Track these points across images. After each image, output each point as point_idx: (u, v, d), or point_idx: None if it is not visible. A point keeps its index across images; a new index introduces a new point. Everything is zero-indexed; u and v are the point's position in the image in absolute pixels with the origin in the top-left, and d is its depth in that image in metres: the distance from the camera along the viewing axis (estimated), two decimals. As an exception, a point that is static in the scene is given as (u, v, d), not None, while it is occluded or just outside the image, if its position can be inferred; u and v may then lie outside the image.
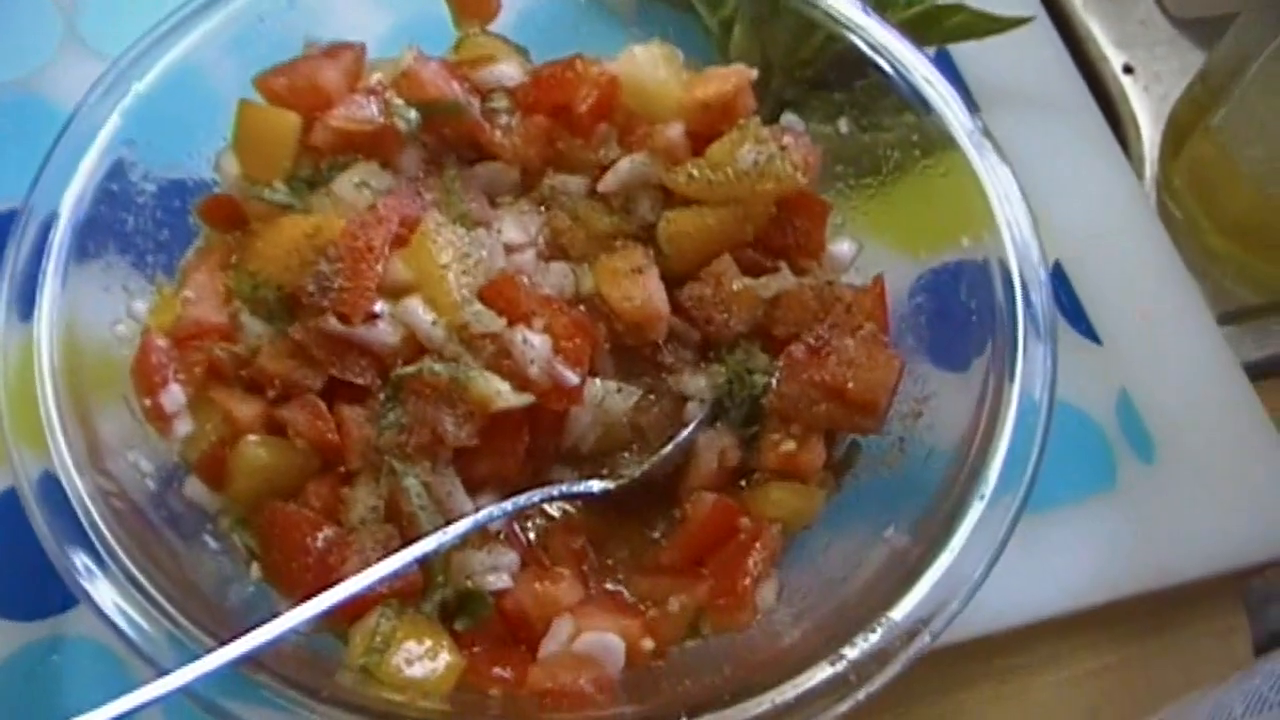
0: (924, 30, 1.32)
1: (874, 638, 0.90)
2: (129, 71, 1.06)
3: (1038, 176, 1.31)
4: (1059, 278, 1.31)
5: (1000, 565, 0.93)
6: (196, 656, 0.86)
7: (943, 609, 0.90)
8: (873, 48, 1.13)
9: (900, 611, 0.91)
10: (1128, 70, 1.52)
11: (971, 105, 1.27)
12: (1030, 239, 1.05)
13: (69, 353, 0.98)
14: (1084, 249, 1.33)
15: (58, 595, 1.09)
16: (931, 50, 1.38)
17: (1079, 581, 1.17)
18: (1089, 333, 1.29)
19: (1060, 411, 1.17)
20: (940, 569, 0.92)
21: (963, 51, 1.41)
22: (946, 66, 1.41)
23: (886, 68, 1.12)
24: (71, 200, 1.02)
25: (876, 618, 0.90)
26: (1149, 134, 1.48)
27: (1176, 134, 1.42)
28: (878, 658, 0.89)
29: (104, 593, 0.90)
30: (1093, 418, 1.25)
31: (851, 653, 0.89)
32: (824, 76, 1.20)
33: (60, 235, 1.00)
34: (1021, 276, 1.04)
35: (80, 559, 0.90)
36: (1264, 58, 1.24)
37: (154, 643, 0.88)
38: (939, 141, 1.10)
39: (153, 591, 0.90)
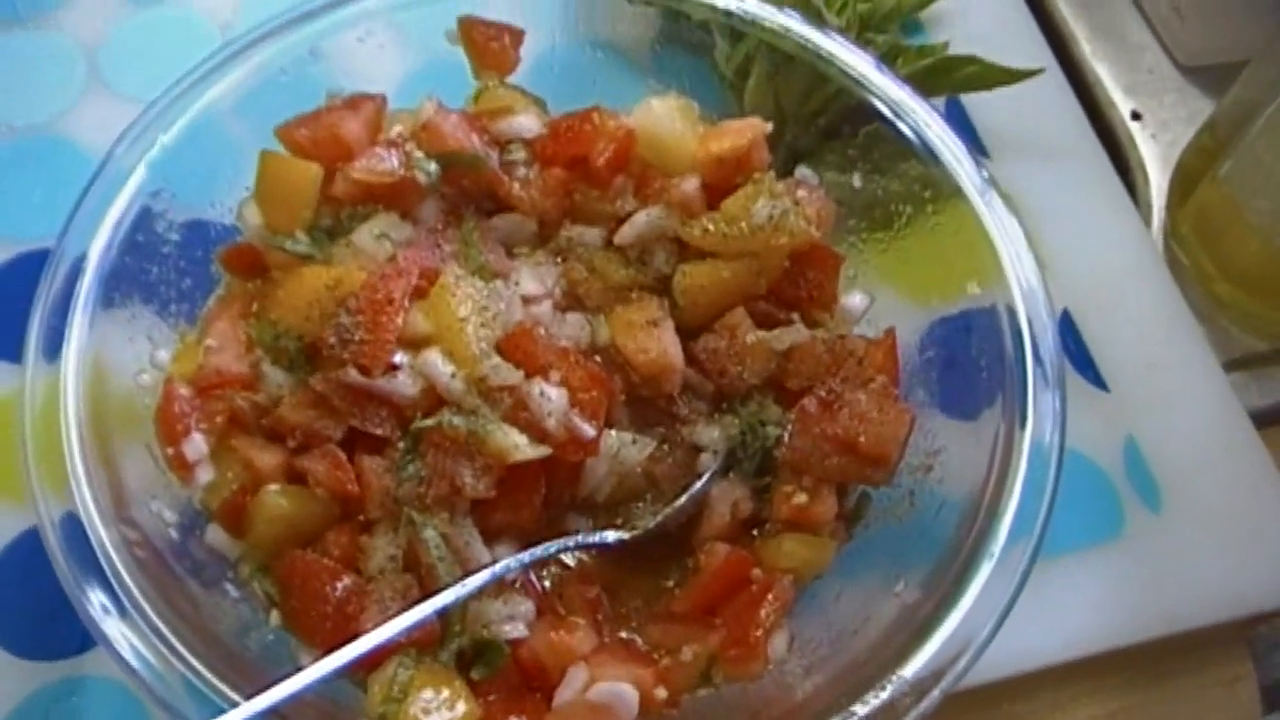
0: (936, 80, 1.34)
1: (884, 695, 0.91)
2: (155, 123, 1.08)
3: (1046, 223, 1.34)
4: (1066, 324, 1.32)
5: (1008, 611, 0.95)
6: (212, 702, 0.88)
7: (951, 667, 0.92)
8: (884, 102, 1.14)
9: (910, 669, 0.92)
10: (1136, 117, 1.53)
11: (981, 152, 1.30)
12: (1038, 290, 1.07)
13: (94, 400, 1.00)
14: (1092, 295, 1.34)
15: (77, 637, 1.11)
16: (942, 98, 1.40)
17: (1085, 628, 1.18)
18: (1096, 380, 1.30)
19: (1067, 459, 1.19)
20: (950, 626, 0.93)
21: (973, 99, 1.43)
22: (957, 114, 1.42)
23: (898, 122, 1.13)
24: (99, 250, 1.04)
25: (887, 675, 0.92)
26: (1157, 181, 1.49)
27: (1184, 182, 1.43)
28: (886, 714, 0.91)
29: (122, 636, 0.91)
30: (1100, 464, 1.26)
31: (862, 709, 0.90)
32: (837, 127, 1.22)
33: (87, 285, 1.02)
34: (1030, 327, 1.05)
35: (100, 600, 0.92)
36: (1271, 109, 1.25)
37: (171, 689, 0.90)
38: (948, 195, 1.11)
39: (171, 637, 0.92)
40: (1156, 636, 1.19)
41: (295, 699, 0.88)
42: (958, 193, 1.11)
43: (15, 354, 1.18)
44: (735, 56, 1.27)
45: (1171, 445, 1.28)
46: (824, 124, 1.24)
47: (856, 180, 1.18)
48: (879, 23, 1.42)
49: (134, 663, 0.90)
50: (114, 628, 0.91)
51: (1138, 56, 1.57)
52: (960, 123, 1.41)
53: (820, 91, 1.22)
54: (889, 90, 1.14)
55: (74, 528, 0.94)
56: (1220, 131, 1.35)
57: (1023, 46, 1.49)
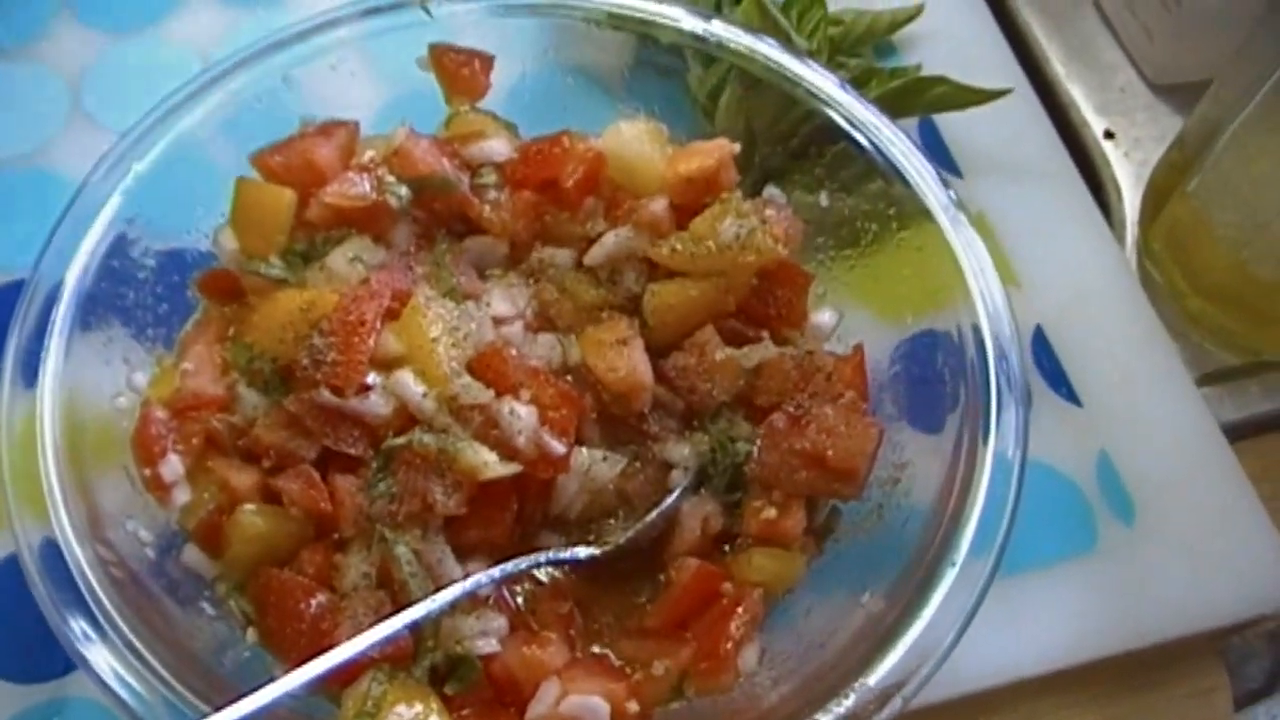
0: (908, 101, 1.36)
1: (848, 703, 0.92)
2: (131, 151, 1.11)
3: (1020, 241, 1.36)
4: (1040, 341, 1.33)
5: (981, 624, 0.96)
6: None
7: (915, 674, 0.93)
8: (851, 123, 1.16)
9: (874, 676, 0.93)
10: (1109, 136, 1.55)
11: (955, 173, 1.32)
12: (1002, 307, 1.08)
13: (71, 424, 1.02)
14: (1065, 312, 1.36)
15: (59, 659, 1.11)
16: (915, 119, 1.42)
17: (1060, 641, 1.19)
18: (1070, 395, 1.31)
19: (1041, 473, 1.20)
20: (913, 635, 0.94)
21: (946, 119, 1.44)
22: (930, 134, 1.44)
23: (864, 142, 1.15)
24: (75, 275, 1.06)
25: (851, 683, 0.93)
26: (1130, 198, 1.50)
27: (1155, 198, 1.44)
28: (852, 721, 0.92)
29: (102, 659, 0.93)
30: (1073, 479, 1.26)
31: (826, 717, 0.91)
32: (806, 148, 1.23)
33: (64, 309, 1.04)
34: (996, 344, 1.07)
35: (79, 625, 0.94)
36: (1236, 124, 1.26)
37: (151, 708, 0.91)
38: (915, 214, 1.13)
39: (149, 658, 0.93)
40: (1131, 649, 1.19)
41: (268, 712, 0.89)
42: (923, 212, 1.12)
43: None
44: (708, 80, 1.29)
45: (1144, 459, 1.28)
46: (794, 145, 1.26)
47: (824, 199, 1.20)
48: (851, 46, 1.44)
49: (114, 684, 0.92)
50: (93, 651, 0.92)
51: (1109, 76, 1.59)
52: (934, 143, 1.43)
53: (790, 113, 1.23)
54: (855, 110, 1.16)
55: (52, 553, 0.96)
56: (1188, 148, 1.37)
57: (996, 68, 1.51)
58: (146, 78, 1.43)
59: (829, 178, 1.19)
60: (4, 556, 1.16)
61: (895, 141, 1.14)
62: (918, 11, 1.48)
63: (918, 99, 1.38)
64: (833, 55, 1.40)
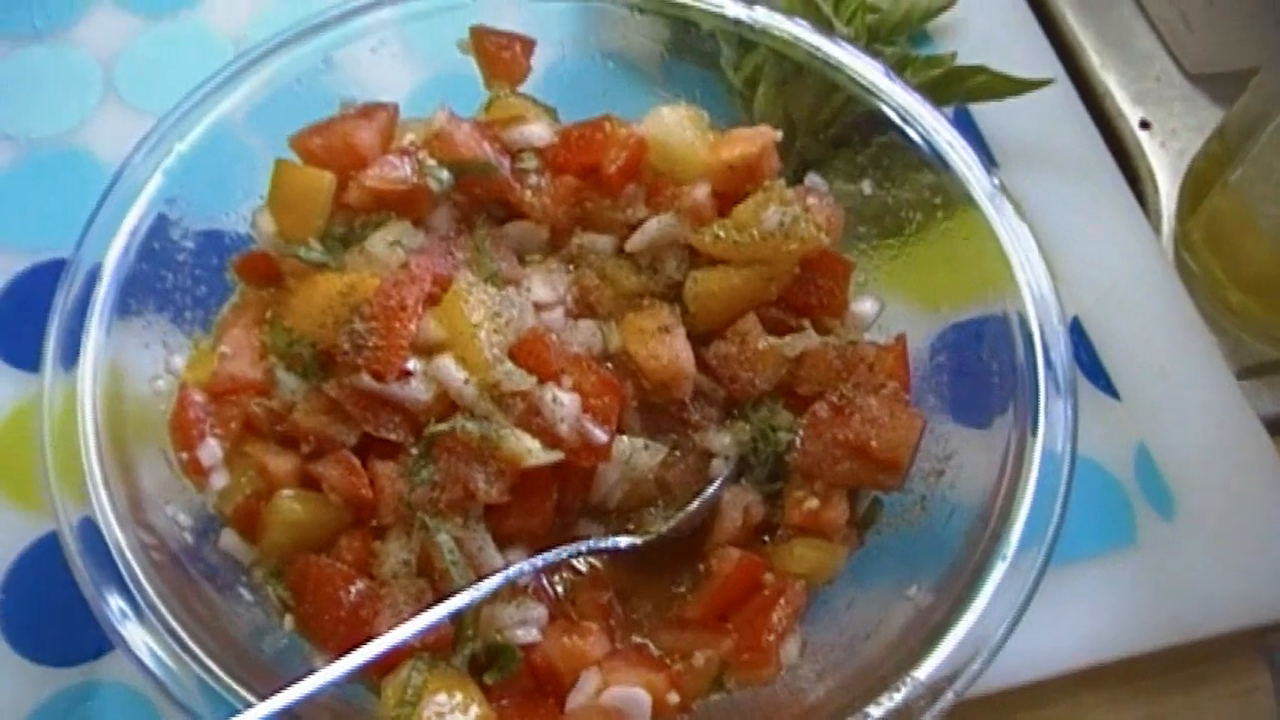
0: (945, 90, 1.34)
1: (898, 696, 0.91)
2: (171, 131, 1.10)
3: (1056, 232, 1.34)
4: (1077, 333, 1.32)
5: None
6: (228, 703, 0.89)
7: (966, 668, 0.92)
8: (895, 110, 1.15)
9: (924, 670, 0.92)
10: (1145, 126, 1.53)
11: (990, 162, 1.30)
12: (1050, 297, 1.07)
13: (111, 407, 1.01)
14: (1102, 304, 1.35)
15: (92, 642, 1.11)
16: (951, 108, 1.40)
17: (1098, 636, 1.18)
18: (1108, 388, 1.30)
19: (1079, 465, 1.18)
20: (964, 629, 0.93)
21: (982, 109, 1.43)
22: (966, 124, 1.43)
23: (908, 130, 1.14)
24: (115, 257, 1.05)
25: (901, 676, 0.92)
26: (1166, 189, 1.49)
27: (1194, 189, 1.43)
28: (901, 715, 0.91)
29: (139, 639, 0.92)
30: (1112, 472, 1.26)
31: (876, 711, 0.91)
32: (847, 135, 1.22)
33: (104, 291, 1.04)
34: (1042, 334, 1.06)
35: (117, 604, 0.93)
36: (1280, 116, 1.26)
37: (187, 690, 0.91)
38: (959, 202, 1.12)
39: (187, 640, 0.92)
40: (1170, 645, 1.19)
41: (310, 700, 0.89)
42: (968, 200, 1.11)
43: (30, 363, 1.21)
44: (744, 67, 1.28)
45: (1183, 453, 1.27)
46: (833, 133, 1.25)
47: (866, 188, 1.19)
48: (887, 33, 1.43)
49: (151, 665, 0.91)
50: (131, 630, 0.92)
51: (1146, 66, 1.57)
52: (969, 133, 1.42)
53: (830, 101, 1.22)
54: (899, 98, 1.15)
55: (91, 533, 0.95)
56: (1230, 139, 1.35)
57: (1031, 57, 1.50)
58: (179, 60, 1.44)
59: (872, 166, 1.18)
60: (34, 539, 1.16)
61: (940, 129, 1.13)
62: (953, 0, 1.47)
63: (956, 88, 1.37)
64: (869, 43, 1.39)
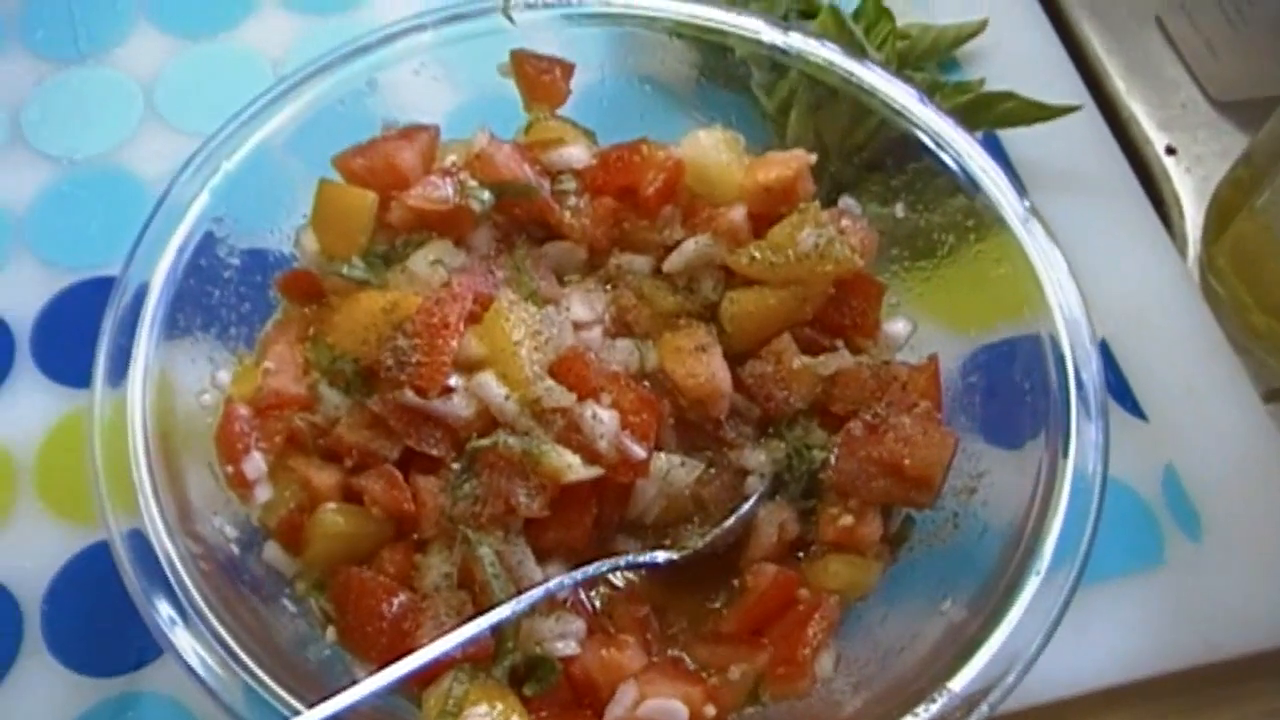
0: (973, 116, 1.36)
1: (934, 709, 0.92)
2: (219, 150, 1.12)
3: (1082, 256, 1.34)
4: (1104, 355, 1.32)
5: (1048, 637, 0.97)
6: (274, 710, 0.91)
7: (1000, 682, 0.93)
8: (928, 135, 1.16)
9: (959, 683, 0.93)
10: (1170, 152, 1.55)
11: (1018, 187, 1.32)
12: (1081, 319, 1.09)
13: (159, 421, 1.03)
14: (1129, 327, 1.36)
15: (133, 653, 1.13)
16: (980, 134, 1.42)
17: (1125, 655, 1.18)
18: (1135, 409, 1.31)
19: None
20: (997, 642, 0.95)
21: (1009, 134, 1.44)
22: (994, 149, 1.44)
23: (942, 154, 1.16)
24: (164, 273, 1.07)
25: (936, 689, 0.93)
26: (1191, 214, 1.50)
27: (1220, 214, 1.44)
28: (936, 728, 0.92)
29: (189, 645, 0.94)
30: (1139, 493, 1.26)
31: (911, 722, 0.92)
32: (879, 159, 1.24)
33: (153, 306, 1.06)
34: (1073, 356, 1.07)
35: (167, 611, 0.95)
36: (1309, 142, 1.27)
37: (235, 696, 0.92)
38: (991, 224, 1.14)
39: (235, 647, 0.94)
40: (1195, 665, 1.19)
41: (353, 710, 0.90)
42: (1000, 222, 1.13)
43: (72, 378, 1.24)
44: (777, 91, 1.30)
45: (1211, 474, 1.28)
46: (866, 157, 1.26)
47: (899, 210, 1.20)
48: (916, 60, 1.45)
49: (200, 671, 0.93)
50: (180, 637, 0.94)
51: (1171, 92, 1.59)
52: (997, 157, 1.41)
53: (863, 125, 1.24)
54: (932, 122, 1.17)
55: (139, 543, 0.97)
56: (1257, 164, 1.37)
57: (1057, 83, 1.51)
58: (218, 81, 1.47)
59: (906, 190, 1.20)
60: (78, 551, 1.18)
61: (973, 154, 1.15)
62: (982, 27, 1.49)
63: (985, 114, 1.39)
64: (900, 68, 1.40)
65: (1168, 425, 1.31)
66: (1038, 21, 1.59)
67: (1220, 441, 1.30)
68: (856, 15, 1.40)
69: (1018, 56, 1.53)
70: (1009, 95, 1.37)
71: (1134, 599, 1.21)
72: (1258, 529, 1.25)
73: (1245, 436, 1.31)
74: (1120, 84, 1.60)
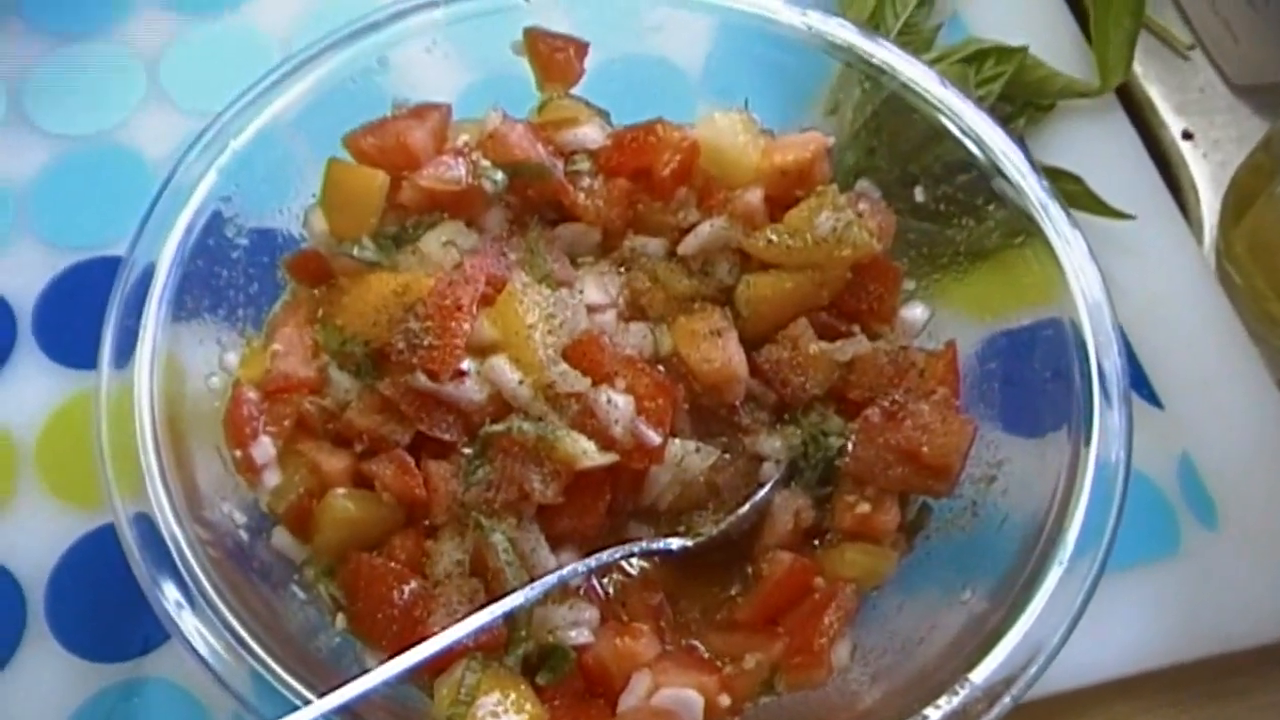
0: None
1: (956, 700, 0.91)
2: (226, 129, 1.09)
3: (1098, 241, 1.33)
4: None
5: (1065, 627, 0.96)
6: (280, 697, 0.89)
7: (1023, 672, 0.92)
8: (949, 118, 1.14)
9: (981, 674, 0.92)
10: (1187, 137, 1.53)
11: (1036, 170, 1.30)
12: (1103, 303, 1.07)
13: (167, 403, 1.01)
14: (1145, 314, 1.34)
15: (139, 639, 1.12)
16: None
17: (1140, 645, 1.18)
18: (1150, 397, 1.30)
19: (1122, 475, 1.19)
20: (1019, 633, 0.94)
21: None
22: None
23: (962, 138, 1.14)
24: (171, 253, 1.05)
25: (958, 680, 0.92)
26: (1208, 200, 1.49)
27: (1238, 200, 1.43)
28: (958, 719, 0.91)
29: (195, 630, 0.92)
30: (1155, 482, 1.26)
31: (934, 714, 0.91)
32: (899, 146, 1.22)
33: (160, 287, 1.04)
34: (1095, 342, 1.06)
35: (174, 595, 0.93)
36: (1330, 127, 1.26)
37: (242, 681, 0.91)
38: (1010, 207, 1.12)
39: (242, 632, 0.93)
40: (1210, 655, 1.19)
41: (365, 699, 0.89)
42: (1020, 206, 1.11)
43: (75, 359, 1.22)
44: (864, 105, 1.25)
45: (1227, 463, 1.27)
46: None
47: (918, 195, 1.18)
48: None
49: (206, 655, 0.91)
50: (187, 621, 0.92)
51: (1189, 76, 1.57)
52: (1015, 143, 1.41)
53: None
54: (954, 106, 1.14)
55: (146, 527, 0.95)
56: (1276, 150, 1.35)
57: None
58: (223, 59, 1.44)
59: (925, 173, 1.18)
60: (82, 535, 1.16)
61: (994, 139, 1.13)
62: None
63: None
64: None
65: (1183, 414, 1.30)
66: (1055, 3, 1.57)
67: (1236, 430, 1.30)
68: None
69: (1035, 38, 1.50)
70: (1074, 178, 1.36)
71: (1149, 588, 1.20)
72: (1274, 517, 1.25)
73: (1261, 425, 1.31)
74: (1137, 68, 1.58)
